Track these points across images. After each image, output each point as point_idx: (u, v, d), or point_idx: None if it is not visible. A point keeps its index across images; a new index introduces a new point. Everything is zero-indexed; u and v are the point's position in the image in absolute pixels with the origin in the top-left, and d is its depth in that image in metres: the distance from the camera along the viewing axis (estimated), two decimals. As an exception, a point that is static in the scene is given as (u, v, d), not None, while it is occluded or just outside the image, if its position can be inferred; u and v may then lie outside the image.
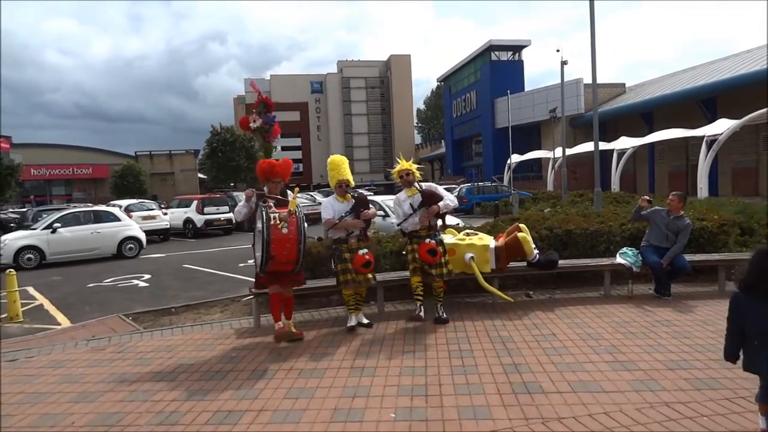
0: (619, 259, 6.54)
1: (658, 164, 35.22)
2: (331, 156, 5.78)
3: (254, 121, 5.59)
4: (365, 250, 5.46)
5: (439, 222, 5.81)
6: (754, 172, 28.11)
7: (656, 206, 6.77)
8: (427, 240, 5.50)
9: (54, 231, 13.68)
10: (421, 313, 5.73)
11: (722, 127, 23.07)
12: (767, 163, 27.31)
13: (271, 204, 5.05)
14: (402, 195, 5.73)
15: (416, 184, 5.64)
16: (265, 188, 5.36)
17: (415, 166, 5.71)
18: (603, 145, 26.05)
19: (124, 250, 14.60)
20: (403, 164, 5.67)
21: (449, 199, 5.62)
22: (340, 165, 5.60)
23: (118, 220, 14.97)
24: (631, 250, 6.62)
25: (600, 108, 30.17)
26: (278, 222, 4.88)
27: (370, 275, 5.55)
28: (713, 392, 3.58)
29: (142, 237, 15.22)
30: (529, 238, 6.31)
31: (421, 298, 5.79)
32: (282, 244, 4.86)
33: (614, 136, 33.37)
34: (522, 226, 6.50)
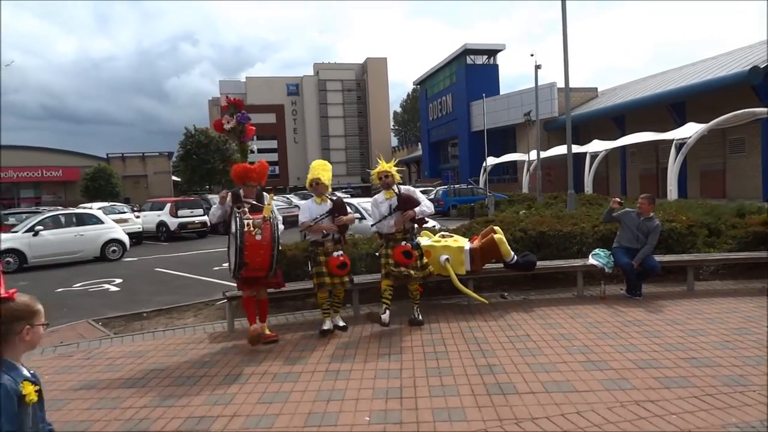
0: (591, 261, 6.64)
1: (629, 167, 35.97)
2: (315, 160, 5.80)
3: (227, 122, 5.52)
4: (340, 252, 5.42)
5: (416, 225, 5.80)
6: (721, 175, 28.94)
7: (627, 208, 6.90)
8: (403, 243, 5.48)
9: (36, 234, 13.32)
10: (386, 318, 5.49)
11: (691, 130, 23.65)
12: (734, 166, 28.15)
13: (246, 209, 4.99)
14: (380, 197, 5.70)
15: (395, 187, 5.61)
16: (241, 191, 5.30)
17: (395, 168, 5.67)
18: (576, 148, 26.49)
19: (108, 253, 14.31)
20: (383, 166, 5.64)
21: (426, 206, 5.56)
22: (316, 167, 5.59)
23: (101, 222, 14.68)
24: (603, 251, 6.73)
25: (573, 112, 30.74)
26: (252, 228, 4.82)
27: (346, 278, 5.52)
28: (682, 390, 3.65)
29: (126, 239, 14.96)
30: (504, 239, 6.36)
31: (388, 302, 5.56)
32: (255, 251, 4.82)
33: (587, 139, 33.97)
34: (496, 228, 6.55)
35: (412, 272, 5.48)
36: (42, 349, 5.57)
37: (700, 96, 28.04)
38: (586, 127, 38.71)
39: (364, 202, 11.26)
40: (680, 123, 26.88)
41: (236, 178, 5.29)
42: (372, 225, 5.79)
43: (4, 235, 13.82)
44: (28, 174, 49.89)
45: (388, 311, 5.50)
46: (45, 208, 25.35)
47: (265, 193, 5.47)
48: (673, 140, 24.02)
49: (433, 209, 5.82)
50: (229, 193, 5.29)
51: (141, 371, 4.64)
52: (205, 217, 19.42)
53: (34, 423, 1.88)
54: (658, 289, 6.86)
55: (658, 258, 6.59)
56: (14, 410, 1.80)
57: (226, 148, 44.89)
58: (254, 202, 5.22)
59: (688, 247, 7.45)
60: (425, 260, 5.76)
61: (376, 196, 5.84)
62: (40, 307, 2.00)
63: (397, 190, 5.58)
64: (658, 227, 6.52)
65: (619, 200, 6.90)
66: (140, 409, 3.81)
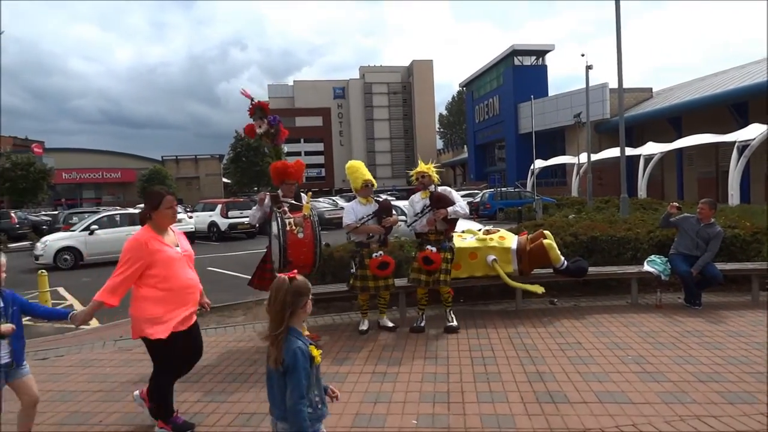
0: (647, 267, 6.40)
1: (686, 170, 34.48)
2: (349, 162, 5.82)
3: (259, 126, 5.61)
4: (380, 253, 5.44)
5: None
6: (788, 179, 27.30)
7: (686, 213, 6.61)
8: (428, 247, 5.44)
9: (91, 233, 14.08)
10: (423, 323, 5.63)
11: (755, 132, 22.48)
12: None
13: (286, 209, 5.07)
14: (416, 196, 5.72)
15: (431, 187, 5.59)
16: (279, 191, 5.39)
17: (434, 169, 5.66)
18: (629, 151, 25.65)
19: None
20: (421, 167, 5.65)
21: (460, 206, 5.46)
22: (359, 168, 5.65)
23: None
24: (659, 257, 6.47)
25: (626, 113, 29.76)
26: (293, 227, 4.91)
27: (390, 280, 5.53)
28: (747, 406, 3.46)
29: None
30: (554, 244, 6.22)
31: (423, 307, 5.74)
32: (298, 249, 4.90)
33: (641, 142, 32.81)
34: (546, 232, 6.41)
35: (422, 277, 5.54)
36: (104, 342, 5.84)
37: (764, 95, 26.58)
38: (640, 129, 37.40)
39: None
40: (742, 124, 25.59)
41: (275, 176, 5.37)
42: (408, 225, 5.78)
43: (62, 234, 14.69)
44: (89, 176, 52.67)
45: (424, 316, 5.71)
46: (105, 208, 26.62)
47: (302, 193, 5.53)
48: (734, 142, 22.89)
49: (467, 210, 5.73)
50: (268, 195, 5.39)
51: (195, 367, 4.77)
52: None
53: (317, 380, 2.30)
54: (719, 299, 6.53)
55: (719, 266, 6.27)
56: (309, 368, 2.20)
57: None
58: (293, 202, 5.30)
59: (753, 255, 7.06)
60: (449, 266, 5.59)
61: (413, 195, 5.86)
62: (310, 284, 2.35)
63: (432, 190, 5.57)
64: (720, 234, 6.21)
65: (677, 205, 6.61)
66: (194, 403, 3.94)
